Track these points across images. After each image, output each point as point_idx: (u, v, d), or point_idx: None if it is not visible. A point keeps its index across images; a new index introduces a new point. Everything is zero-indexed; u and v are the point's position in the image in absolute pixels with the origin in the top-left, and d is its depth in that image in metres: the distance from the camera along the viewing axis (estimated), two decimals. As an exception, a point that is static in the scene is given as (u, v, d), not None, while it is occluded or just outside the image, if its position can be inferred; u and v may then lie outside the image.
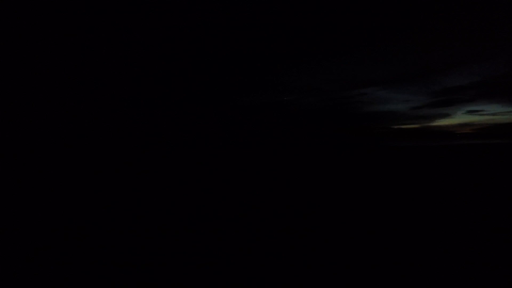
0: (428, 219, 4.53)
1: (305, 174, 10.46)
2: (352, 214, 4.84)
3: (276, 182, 8.64)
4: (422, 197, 6.03)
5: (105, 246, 3.58)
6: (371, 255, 3.21)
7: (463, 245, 3.44)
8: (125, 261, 3.14)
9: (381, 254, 3.23)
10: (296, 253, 3.26)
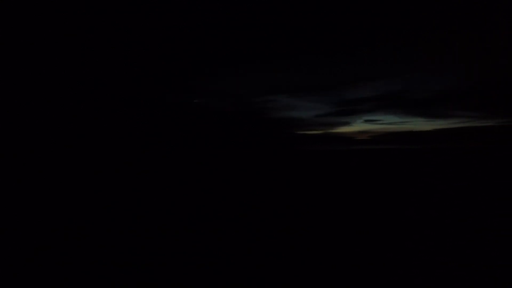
0: (323, 215, 4.72)
1: (208, 175, 10.63)
2: (252, 215, 4.83)
3: (177, 183, 8.67)
4: (321, 196, 6.35)
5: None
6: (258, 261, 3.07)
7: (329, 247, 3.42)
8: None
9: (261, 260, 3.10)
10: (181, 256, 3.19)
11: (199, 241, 3.55)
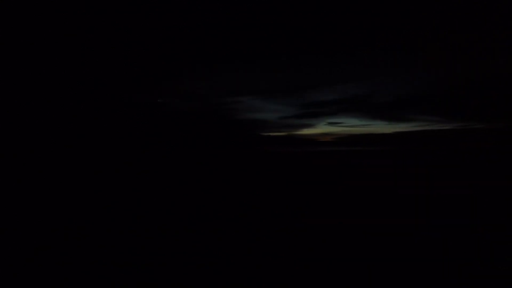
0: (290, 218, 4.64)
1: (172, 176, 10.67)
2: (215, 216, 4.83)
3: (141, 183, 8.66)
4: (284, 197, 6.36)
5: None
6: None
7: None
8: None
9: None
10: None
11: (158, 242, 3.55)
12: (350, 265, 2.86)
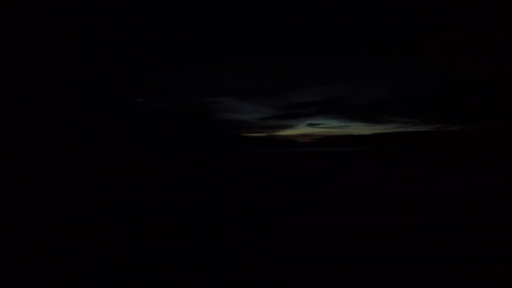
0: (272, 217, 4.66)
1: (150, 176, 10.59)
2: (192, 216, 4.81)
3: (119, 184, 8.64)
4: (264, 197, 6.35)
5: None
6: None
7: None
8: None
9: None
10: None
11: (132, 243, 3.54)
12: (334, 265, 2.88)
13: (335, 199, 5.99)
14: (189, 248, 3.29)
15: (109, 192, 7.15)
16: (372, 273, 2.68)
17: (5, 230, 3.98)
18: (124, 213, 4.99)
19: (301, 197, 6.20)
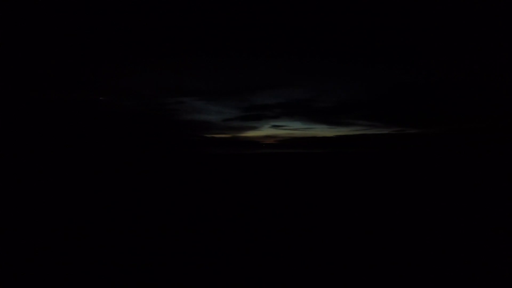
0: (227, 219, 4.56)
1: (110, 177, 10.28)
2: (152, 217, 4.67)
3: (79, 184, 8.33)
4: (226, 199, 6.21)
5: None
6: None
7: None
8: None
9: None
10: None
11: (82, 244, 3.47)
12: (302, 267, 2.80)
13: (299, 200, 5.89)
14: (145, 250, 3.21)
15: (59, 191, 6.93)
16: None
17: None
18: (75, 214, 4.83)
19: (265, 199, 6.05)
